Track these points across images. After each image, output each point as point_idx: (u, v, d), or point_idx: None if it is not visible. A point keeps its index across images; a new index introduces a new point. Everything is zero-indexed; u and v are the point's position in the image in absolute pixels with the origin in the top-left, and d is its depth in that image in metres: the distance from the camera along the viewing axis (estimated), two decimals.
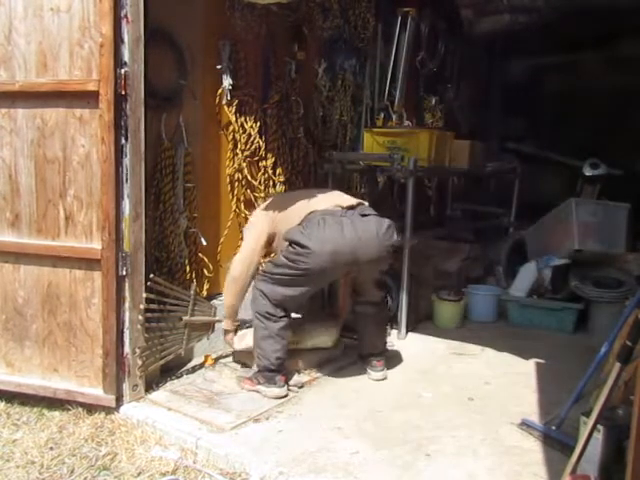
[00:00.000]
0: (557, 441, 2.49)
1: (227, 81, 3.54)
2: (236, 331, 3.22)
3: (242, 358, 3.30)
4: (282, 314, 2.92)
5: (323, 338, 3.33)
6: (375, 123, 4.67)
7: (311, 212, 2.94)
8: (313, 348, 3.30)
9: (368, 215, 2.98)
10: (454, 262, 4.78)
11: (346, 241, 2.83)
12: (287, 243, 2.90)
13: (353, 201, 3.07)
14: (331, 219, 2.88)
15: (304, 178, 4.18)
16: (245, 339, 3.15)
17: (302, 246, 2.81)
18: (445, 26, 5.38)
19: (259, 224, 3.16)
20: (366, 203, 3.14)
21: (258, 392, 2.91)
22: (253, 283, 3.06)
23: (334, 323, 3.42)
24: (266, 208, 3.22)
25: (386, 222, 2.98)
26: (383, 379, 3.18)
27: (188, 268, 3.37)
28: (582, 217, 4.27)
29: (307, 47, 4.12)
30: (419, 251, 4.25)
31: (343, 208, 2.98)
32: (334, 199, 3.08)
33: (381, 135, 4.32)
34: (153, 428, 2.61)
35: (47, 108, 2.67)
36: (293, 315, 3.08)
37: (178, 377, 3.10)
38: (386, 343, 3.41)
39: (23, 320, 2.82)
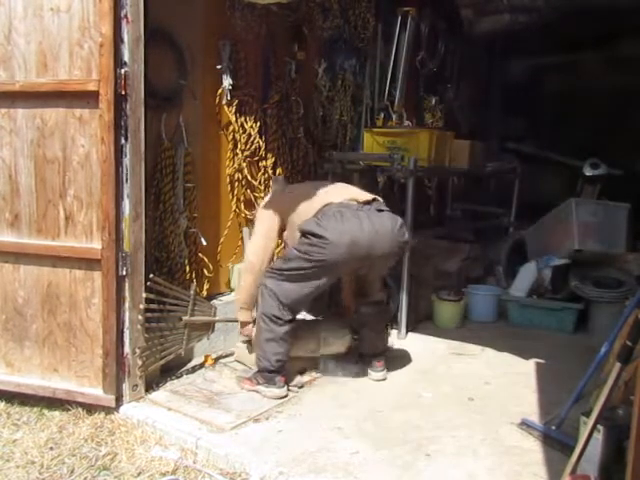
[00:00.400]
0: (557, 441, 2.49)
1: (227, 81, 3.54)
2: (254, 323, 3.14)
3: (242, 359, 3.30)
4: (288, 318, 2.89)
5: (338, 345, 3.30)
6: (375, 123, 4.67)
7: (326, 204, 2.92)
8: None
9: (383, 211, 2.99)
10: (454, 262, 4.78)
11: (364, 234, 2.83)
12: (300, 235, 2.88)
13: (369, 196, 3.06)
14: (348, 212, 2.87)
15: (304, 178, 4.18)
16: None
17: (319, 236, 2.79)
18: (445, 26, 5.38)
19: (269, 213, 3.12)
20: (380, 199, 3.12)
21: (258, 392, 2.91)
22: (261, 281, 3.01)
23: (346, 329, 3.34)
24: (274, 198, 3.20)
25: (399, 219, 3.01)
26: (383, 379, 3.18)
27: (188, 268, 3.37)
28: (582, 217, 4.27)
29: (307, 47, 4.12)
30: (419, 251, 4.25)
31: (359, 203, 2.98)
32: (349, 193, 3.06)
33: (381, 135, 4.32)
34: (153, 428, 2.61)
35: (47, 108, 2.67)
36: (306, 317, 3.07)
37: (178, 377, 3.10)
38: (387, 343, 3.40)
39: (23, 320, 2.82)
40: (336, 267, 2.88)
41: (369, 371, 3.19)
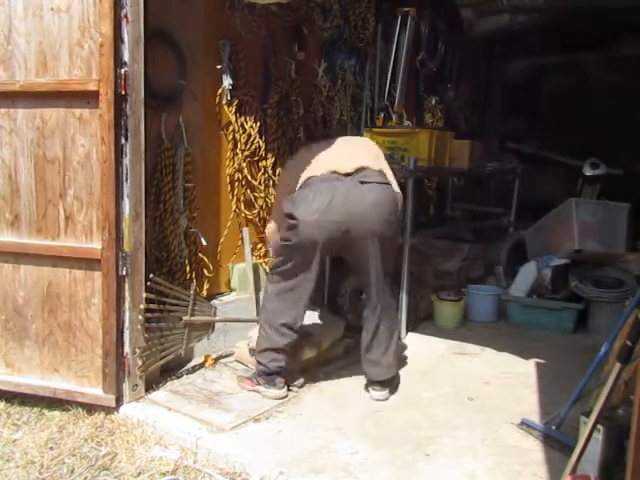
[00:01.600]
0: (557, 441, 2.49)
1: (227, 81, 3.54)
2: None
3: (242, 359, 3.30)
4: (289, 329, 2.86)
5: (338, 329, 3.35)
6: (375, 123, 4.67)
7: (309, 178, 2.84)
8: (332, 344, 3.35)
9: (368, 183, 2.78)
10: (454, 262, 4.79)
11: (334, 209, 2.69)
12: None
13: (354, 165, 2.84)
14: (323, 186, 2.75)
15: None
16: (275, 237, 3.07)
17: (291, 217, 2.75)
18: (445, 26, 5.38)
19: (283, 178, 3.20)
20: (372, 166, 2.87)
21: (258, 392, 2.91)
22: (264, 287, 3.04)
23: (340, 318, 3.40)
24: (291, 161, 3.19)
25: (388, 191, 2.82)
26: (384, 399, 2.96)
27: (188, 268, 3.36)
28: (582, 217, 4.26)
29: (307, 47, 4.12)
30: (419, 251, 4.25)
31: (340, 174, 2.81)
32: (335, 163, 2.87)
33: (381, 135, 4.31)
34: (153, 428, 2.61)
35: (47, 108, 2.67)
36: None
37: (178, 377, 3.10)
38: (394, 365, 3.02)
39: (23, 320, 2.82)
40: (311, 249, 2.75)
41: (370, 391, 3.00)
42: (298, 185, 2.88)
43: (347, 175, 2.82)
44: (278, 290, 2.89)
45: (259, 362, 2.93)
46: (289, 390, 2.94)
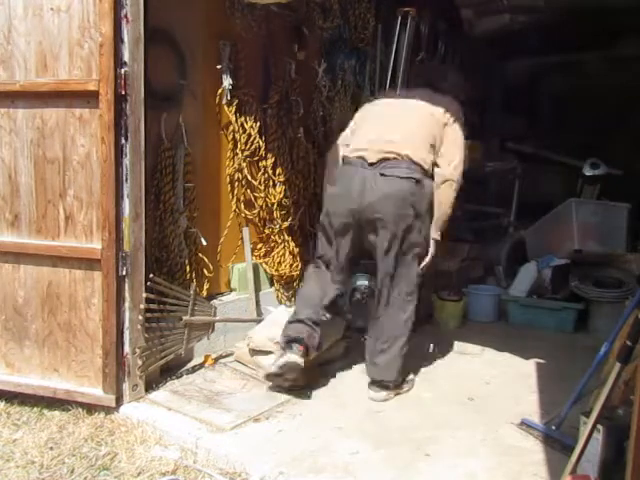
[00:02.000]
0: (557, 441, 2.49)
1: (227, 81, 3.54)
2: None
3: (242, 359, 3.30)
4: (316, 303, 3.02)
5: (338, 329, 3.38)
6: None
7: (345, 157, 3.06)
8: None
9: (388, 176, 2.85)
10: (454, 262, 4.79)
11: (349, 198, 2.90)
12: None
13: (378, 156, 2.90)
14: (350, 172, 2.96)
15: (304, 178, 4.18)
16: None
17: (323, 199, 3.12)
18: (445, 26, 5.37)
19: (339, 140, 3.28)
20: (401, 152, 2.89)
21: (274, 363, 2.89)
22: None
23: (341, 319, 3.42)
24: (350, 122, 3.32)
25: (405, 185, 2.84)
26: (379, 400, 2.93)
27: (188, 268, 3.36)
28: (582, 217, 4.27)
29: (307, 47, 4.12)
30: None
31: (365, 161, 2.92)
32: (367, 144, 2.98)
33: None
34: (153, 428, 2.61)
35: (47, 108, 2.67)
36: None
37: (178, 377, 3.10)
38: (392, 368, 2.95)
39: (23, 320, 2.82)
40: (330, 229, 3.02)
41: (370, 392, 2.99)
42: (340, 160, 3.10)
43: (371, 164, 2.94)
44: (314, 269, 3.13)
45: (282, 334, 2.98)
46: (289, 390, 2.94)
